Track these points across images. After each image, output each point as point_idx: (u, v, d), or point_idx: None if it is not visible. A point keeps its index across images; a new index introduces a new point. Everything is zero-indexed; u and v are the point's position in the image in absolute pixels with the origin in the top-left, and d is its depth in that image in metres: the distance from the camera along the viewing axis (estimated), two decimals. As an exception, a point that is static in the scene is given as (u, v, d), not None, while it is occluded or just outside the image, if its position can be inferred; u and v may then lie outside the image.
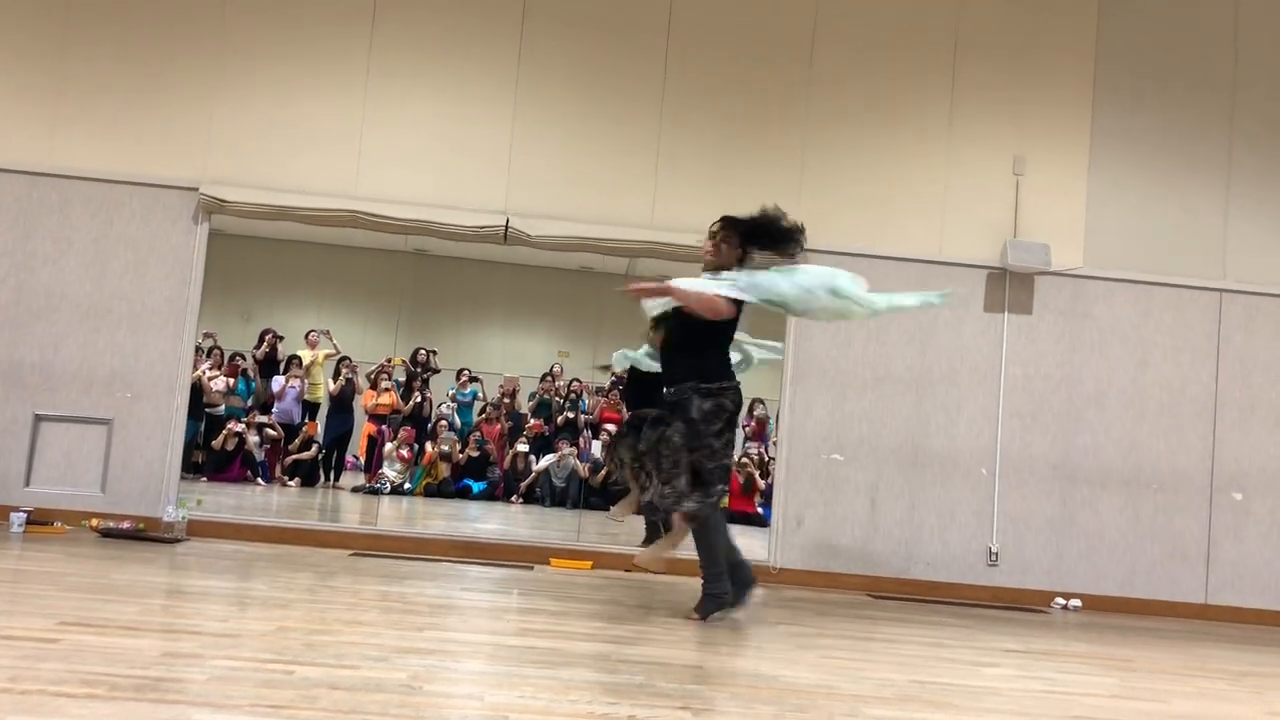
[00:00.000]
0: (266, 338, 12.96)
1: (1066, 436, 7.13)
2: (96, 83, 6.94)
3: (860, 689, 3.59)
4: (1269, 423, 7.21)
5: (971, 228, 7.25)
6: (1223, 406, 7.21)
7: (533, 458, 12.49)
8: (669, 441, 4.78)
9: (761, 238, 4.97)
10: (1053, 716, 3.39)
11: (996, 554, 7.02)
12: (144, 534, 6.37)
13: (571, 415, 13.01)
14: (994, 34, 7.38)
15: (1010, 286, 7.22)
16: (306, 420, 12.43)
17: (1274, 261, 7.35)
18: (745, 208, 7.06)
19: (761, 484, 11.80)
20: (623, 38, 7.24)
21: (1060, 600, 6.93)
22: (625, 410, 6.97)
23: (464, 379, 13.78)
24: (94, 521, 6.44)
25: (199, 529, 6.61)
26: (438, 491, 11.92)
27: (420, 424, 12.68)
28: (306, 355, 12.73)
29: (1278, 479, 7.17)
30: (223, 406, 11.86)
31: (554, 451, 12.39)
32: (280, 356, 12.81)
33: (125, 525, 6.41)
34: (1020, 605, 6.80)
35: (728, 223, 5.02)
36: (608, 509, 8.97)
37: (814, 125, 7.26)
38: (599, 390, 13.01)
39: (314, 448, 12.20)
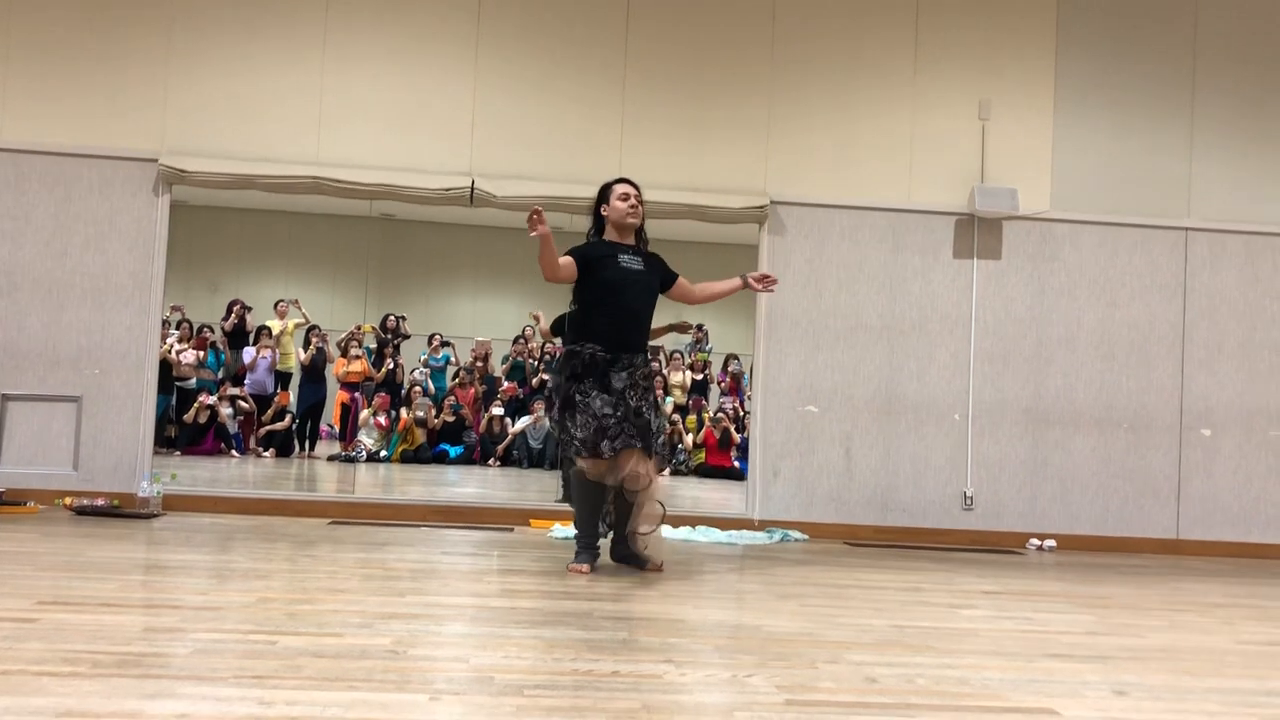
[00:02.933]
0: (235, 309, 12.84)
1: (1037, 379, 7.19)
2: (45, 54, 6.79)
3: (841, 635, 3.64)
4: (1235, 359, 7.30)
5: (939, 175, 7.25)
6: (1190, 344, 7.29)
7: (508, 420, 12.50)
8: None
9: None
10: (1031, 655, 3.45)
11: (971, 498, 7.10)
12: (119, 510, 6.33)
13: (545, 376, 13.00)
14: (956, -22, 7.34)
15: (979, 232, 7.24)
16: (279, 390, 12.36)
17: (1237, 198, 7.41)
18: (711, 163, 7.08)
19: (737, 438, 11.88)
20: (583, -7, 7.15)
21: (1035, 541, 7.02)
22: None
23: (436, 344, 13.71)
24: (68, 500, 6.39)
25: (175, 503, 6.57)
26: (414, 457, 11.91)
27: (394, 390, 12.64)
28: (276, 325, 12.62)
29: (1245, 414, 7.27)
30: (194, 379, 11.77)
31: (529, 413, 12.40)
32: (249, 327, 12.71)
33: (100, 502, 6.37)
34: (996, 548, 6.89)
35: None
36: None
37: (779, 78, 7.22)
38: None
39: (287, 418, 12.14)
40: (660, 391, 13.04)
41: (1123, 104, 7.39)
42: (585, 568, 4.83)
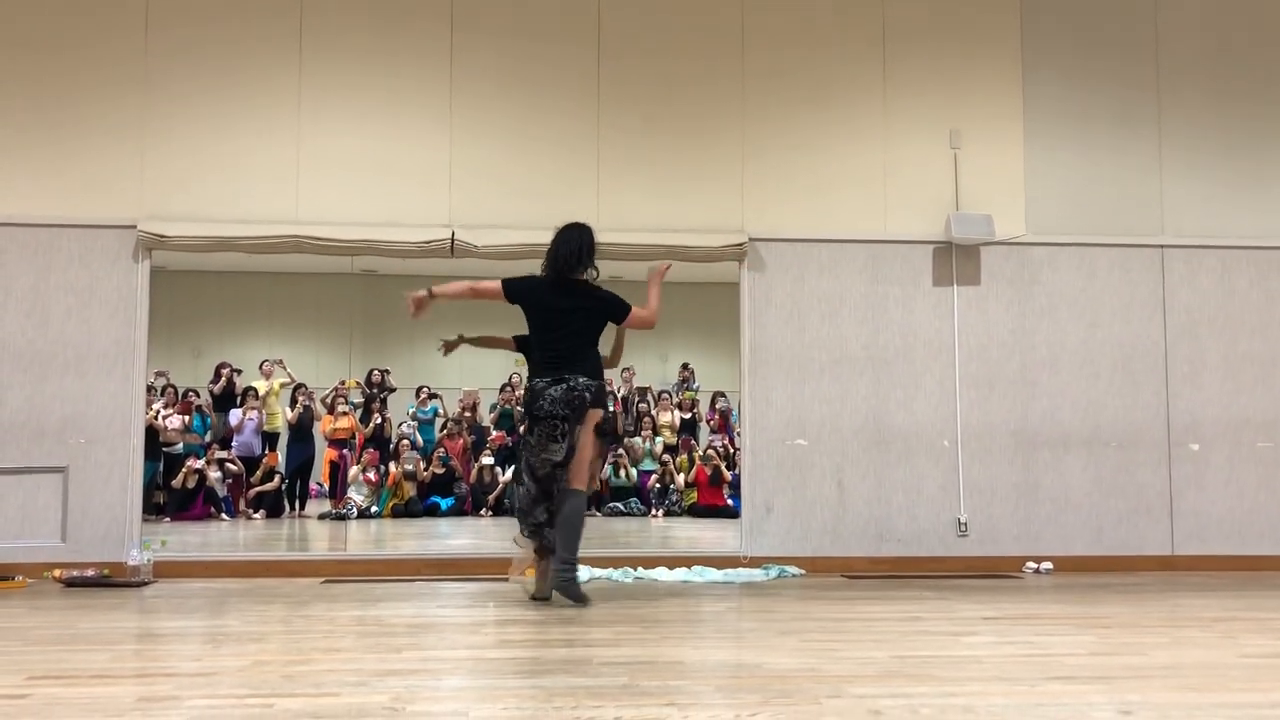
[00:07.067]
0: (223, 372, 12.81)
1: (1024, 402, 7.21)
2: (18, 126, 6.81)
3: (842, 669, 3.61)
4: (1218, 373, 7.34)
5: (914, 204, 7.31)
6: (1173, 360, 7.33)
7: (498, 469, 12.44)
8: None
9: None
10: (1034, 679, 3.43)
11: (965, 524, 7.09)
12: (109, 580, 6.26)
13: (535, 423, 12.94)
14: (920, 13, 7.44)
15: (957, 259, 7.28)
16: (267, 451, 12.29)
17: (1209, 214, 7.48)
18: (688, 203, 7.12)
19: (729, 475, 11.85)
20: (553, 43, 7.22)
21: (1032, 564, 7.00)
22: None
23: (423, 396, 13.69)
24: (56, 572, 6.32)
25: (166, 570, 6.51)
26: (405, 511, 11.84)
27: (382, 445, 12.58)
28: (262, 386, 12.58)
29: (1231, 428, 7.30)
30: (180, 445, 11.70)
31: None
32: (238, 390, 12.67)
33: (89, 573, 6.29)
34: (993, 573, 6.87)
35: None
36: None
37: (751, 116, 7.29)
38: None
39: (276, 478, 12.07)
40: (649, 432, 13.03)
41: (1091, 126, 7.48)
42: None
